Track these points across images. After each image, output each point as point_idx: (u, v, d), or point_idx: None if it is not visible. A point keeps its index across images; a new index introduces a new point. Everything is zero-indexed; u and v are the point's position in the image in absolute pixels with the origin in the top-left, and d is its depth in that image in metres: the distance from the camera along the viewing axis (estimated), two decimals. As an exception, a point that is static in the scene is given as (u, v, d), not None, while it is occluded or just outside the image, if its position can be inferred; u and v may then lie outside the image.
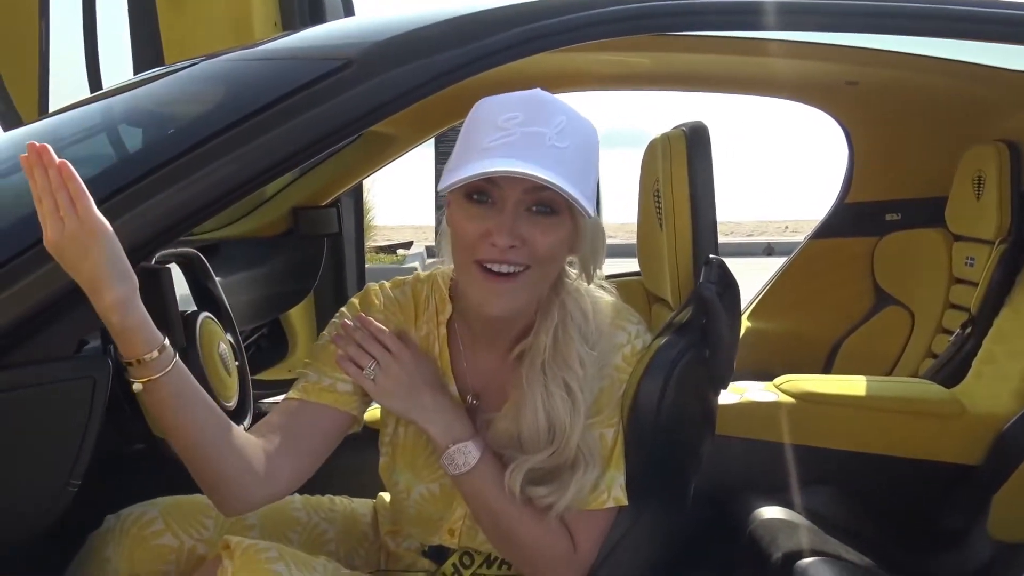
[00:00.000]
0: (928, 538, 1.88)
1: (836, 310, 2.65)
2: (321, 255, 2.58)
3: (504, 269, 1.08)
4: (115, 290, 0.95)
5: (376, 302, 1.25)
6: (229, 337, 1.62)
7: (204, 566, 1.14)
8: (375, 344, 1.19)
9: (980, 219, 2.29)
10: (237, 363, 1.57)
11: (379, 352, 1.18)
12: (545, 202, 1.08)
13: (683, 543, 1.35)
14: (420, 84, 1.11)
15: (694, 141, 1.34)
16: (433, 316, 1.25)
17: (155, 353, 0.99)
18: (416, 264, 8.75)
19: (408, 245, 9.44)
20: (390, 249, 8.84)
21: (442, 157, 9.83)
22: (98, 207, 0.96)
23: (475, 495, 1.18)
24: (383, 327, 1.21)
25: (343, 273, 2.80)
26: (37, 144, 0.92)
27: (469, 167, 1.05)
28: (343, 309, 1.26)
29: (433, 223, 10.48)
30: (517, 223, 1.06)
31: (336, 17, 2.66)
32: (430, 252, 10.14)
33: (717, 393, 1.31)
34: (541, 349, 1.16)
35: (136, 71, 2.67)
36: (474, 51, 1.13)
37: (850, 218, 2.68)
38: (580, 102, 1.33)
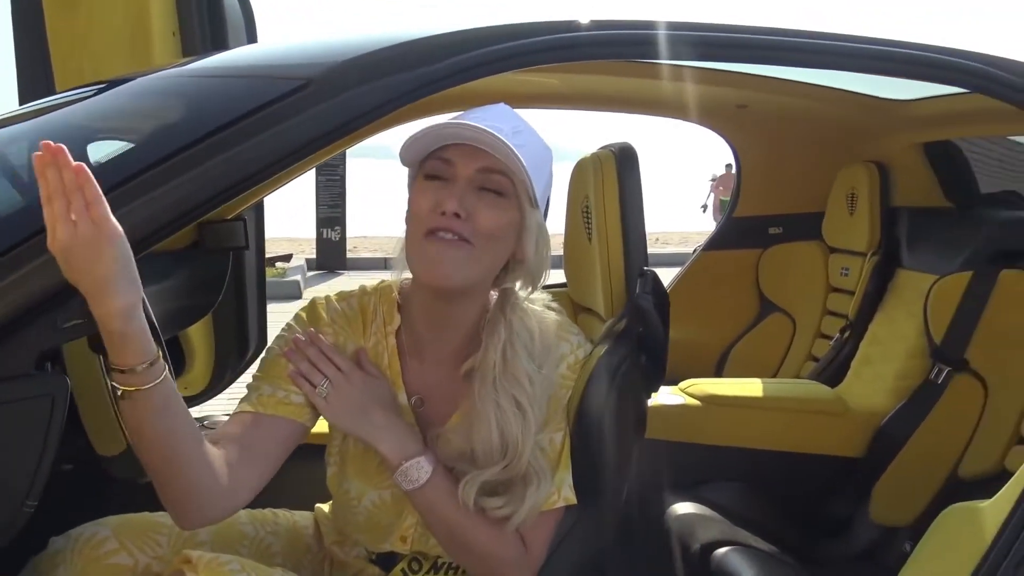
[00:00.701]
0: (819, 525, 2.06)
1: (725, 318, 2.81)
2: (226, 269, 2.52)
3: (448, 236, 1.12)
4: (122, 296, 0.94)
5: (324, 316, 1.26)
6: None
7: None
8: (327, 363, 1.21)
9: (853, 233, 2.51)
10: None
11: (331, 371, 1.20)
12: (495, 184, 1.14)
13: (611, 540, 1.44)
14: (378, 105, 1.14)
15: (623, 161, 1.43)
16: (381, 327, 1.27)
17: (148, 363, 0.99)
18: (297, 277, 8.59)
19: (288, 258, 9.26)
20: (270, 262, 8.63)
21: (323, 168, 9.71)
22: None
23: (429, 508, 1.21)
24: (333, 345, 1.23)
25: (244, 288, 2.76)
26: (52, 144, 0.89)
27: (426, 138, 1.13)
28: (291, 322, 1.27)
29: (313, 236, 10.35)
30: (466, 196, 1.12)
31: (236, 28, 2.63)
32: (310, 265, 9.99)
33: (649, 396, 1.40)
34: (491, 366, 1.20)
35: (20, 76, 2.56)
36: (426, 75, 1.18)
37: (738, 231, 2.85)
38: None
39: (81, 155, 1.07)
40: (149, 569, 1.23)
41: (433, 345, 1.27)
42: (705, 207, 16.02)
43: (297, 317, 1.28)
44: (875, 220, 2.43)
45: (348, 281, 9.52)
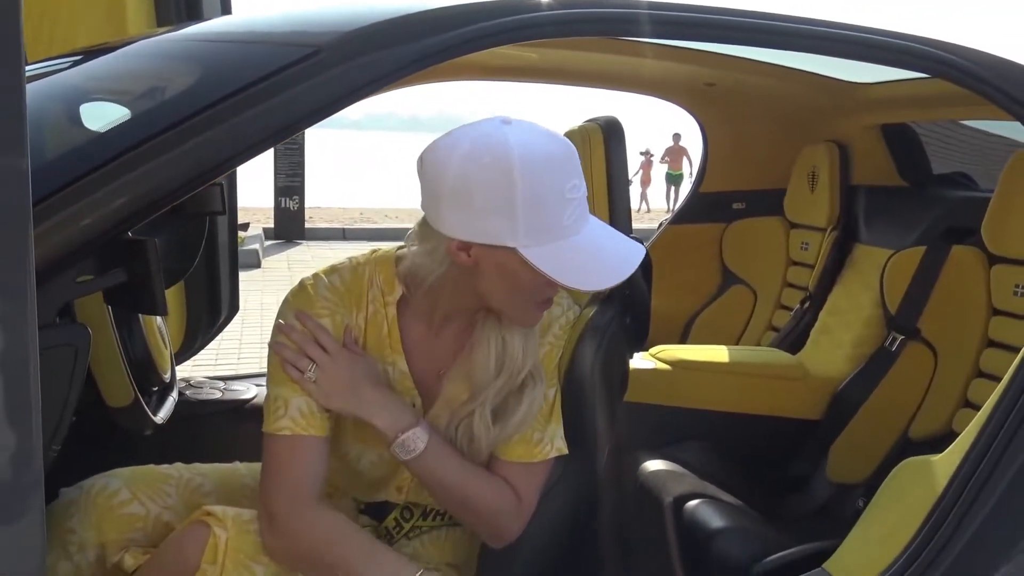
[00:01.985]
0: (780, 482, 2.18)
1: (690, 289, 2.91)
2: (202, 235, 2.53)
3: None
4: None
5: (313, 295, 1.25)
6: (159, 320, 1.64)
7: (186, 531, 1.18)
8: (312, 346, 1.21)
9: (813, 209, 2.62)
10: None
11: (316, 353, 1.21)
12: None
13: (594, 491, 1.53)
14: (386, 73, 1.19)
15: (610, 133, 1.51)
16: (379, 296, 1.28)
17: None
18: (256, 246, 8.53)
19: (246, 227, 9.17)
20: (228, 230, 8.52)
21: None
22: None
23: (427, 474, 1.25)
24: (330, 323, 1.24)
25: (216, 253, 2.78)
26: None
27: (587, 259, 1.15)
28: (280, 308, 1.26)
29: (271, 205, 10.25)
30: None
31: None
32: (268, 234, 9.91)
33: (632, 355, 1.49)
34: (496, 315, 1.25)
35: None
36: (430, 46, 1.23)
37: (703, 206, 2.94)
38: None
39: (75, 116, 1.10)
40: (160, 518, 1.28)
41: (439, 316, 1.29)
42: (629, 183, 16.45)
43: (285, 302, 1.27)
44: (835, 197, 2.53)
45: (306, 251, 9.48)
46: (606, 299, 1.39)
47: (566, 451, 1.32)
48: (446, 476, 1.25)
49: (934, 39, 1.56)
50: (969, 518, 1.37)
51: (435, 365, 1.31)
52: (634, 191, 15.72)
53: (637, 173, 16.00)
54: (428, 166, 1.15)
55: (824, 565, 1.47)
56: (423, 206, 1.18)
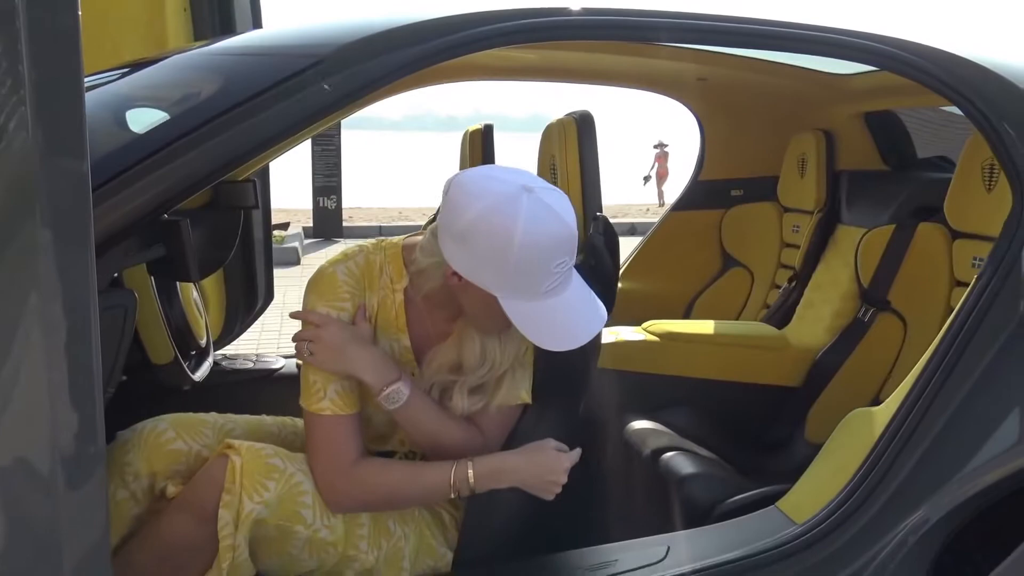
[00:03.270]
0: (761, 444, 2.36)
1: (691, 272, 3.10)
2: (238, 227, 2.78)
3: None
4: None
5: (339, 279, 1.44)
6: (195, 294, 1.88)
7: (212, 462, 1.40)
8: (305, 327, 1.41)
9: (803, 193, 2.79)
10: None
11: (308, 333, 1.39)
12: None
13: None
14: (379, 77, 1.39)
15: (583, 126, 1.71)
16: (388, 283, 1.47)
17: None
18: (296, 244, 8.85)
19: (286, 226, 9.51)
20: (268, 229, 8.83)
21: (319, 138, 9.90)
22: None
23: (409, 421, 1.45)
24: (351, 304, 1.43)
25: (252, 246, 3.02)
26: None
27: (553, 321, 1.32)
28: (305, 295, 1.45)
29: (309, 207, 10.58)
30: None
31: (243, 7, 2.88)
32: (307, 233, 10.25)
33: (603, 320, 1.69)
34: None
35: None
36: (418, 52, 1.43)
37: (702, 193, 3.12)
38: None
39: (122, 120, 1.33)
40: (199, 455, 1.51)
41: (438, 302, 1.47)
42: (648, 178, 15.31)
43: (310, 289, 1.45)
44: (821, 182, 2.70)
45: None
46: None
47: (529, 401, 1.51)
48: (425, 424, 1.45)
49: (885, 36, 1.72)
50: (901, 459, 1.55)
51: (429, 342, 1.52)
52: (651, 190, 15.02)
53: (653, 167, 15.20)
54: (450, 200, 1.31)
55: (777, 503, 1.66)
56: (438, 223, 1.38)
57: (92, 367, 1.00)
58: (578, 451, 1.46)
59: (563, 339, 1.34)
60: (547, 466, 1.42)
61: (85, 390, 1.00)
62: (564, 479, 1.43)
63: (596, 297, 1.40)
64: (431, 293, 1.44)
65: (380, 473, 1.44)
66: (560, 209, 1.29)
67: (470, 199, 1.29)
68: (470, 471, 1.41)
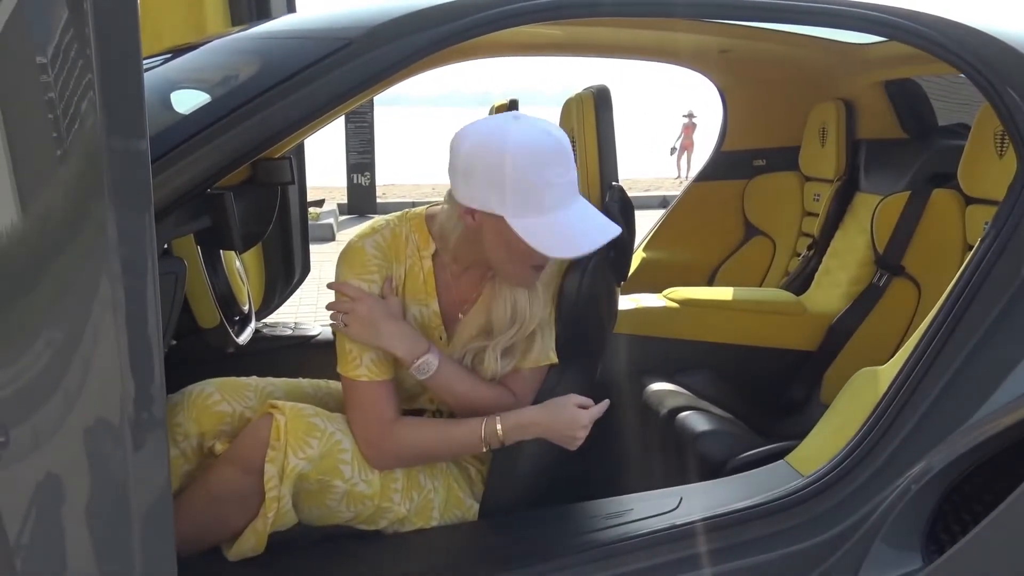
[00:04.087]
0: (778, 406, 2.43)
1: (714, 241, 3.17)
2: (275, 203, 2.89)
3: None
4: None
5: (369, 252, 1.53)
6: (238, 264, 2.01)
7: (257, 421, 1.51)
8: (339, 299, 1.51)
9: (823, 162, 2.83)
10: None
11: (343, 306, 1.50)
12: None
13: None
14: (405, 57, 1.49)
15: (600, 100, 1.79)
16: (415, 252, 1.56)
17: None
18: (331, 220, 9.00)
19: (321, 203, 9.65)
20: (304, 206, 8.96)
21: (352, 116, 10.02)
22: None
23: (441, 388, 1.55)
24: (379, 276, 1.52)
25: (289, 221, 3.15)
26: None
27: (562, 232, 1.38)
28: (337, 267, 1.53)
29: (344, 184, 10.72)
30: None
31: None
32: (342, 210, 10.40)
33: (619, 284, 1.78)
34: None
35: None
36: (444, 31, 1.52)
37: (725, 164, 3.17)
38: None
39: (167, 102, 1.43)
40: (243, 415, 1.62)
41: (464, 265, 1.57)
42: (675, 149, 15.02)
43: (341, 262, 1.53)
44: (841, 151, 2.75)
45: (379, 225, 9.86)
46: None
47: (555, 361, 1.60)
48: (456, 389, 1.55)
49: (891, 6, 1.77)
50: (904, 414, 1.62)
51: (457, 307, 1.62)
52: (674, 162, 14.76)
53: (679, 138, 14.93)
54: (452, 145, 1.45)
55: (786, 458, 1.74)
56: (448, 171, 1.47)
57: (151, 336, 1.08)
58: (605, 403, 1.55)
59: (573, 246, 1.40)
60: (569, 419, 1.52)
61: (147, 355, 1.08)
62: (585, 433, 1.52)
63: (608, 219, 1.45)
64: (458, 249, 1.52)
65: (415, 430, 1.55)
66: (546, 126, 1.40)
67: (466, 135, 1.42)
68: (498, 425, 1.51)
